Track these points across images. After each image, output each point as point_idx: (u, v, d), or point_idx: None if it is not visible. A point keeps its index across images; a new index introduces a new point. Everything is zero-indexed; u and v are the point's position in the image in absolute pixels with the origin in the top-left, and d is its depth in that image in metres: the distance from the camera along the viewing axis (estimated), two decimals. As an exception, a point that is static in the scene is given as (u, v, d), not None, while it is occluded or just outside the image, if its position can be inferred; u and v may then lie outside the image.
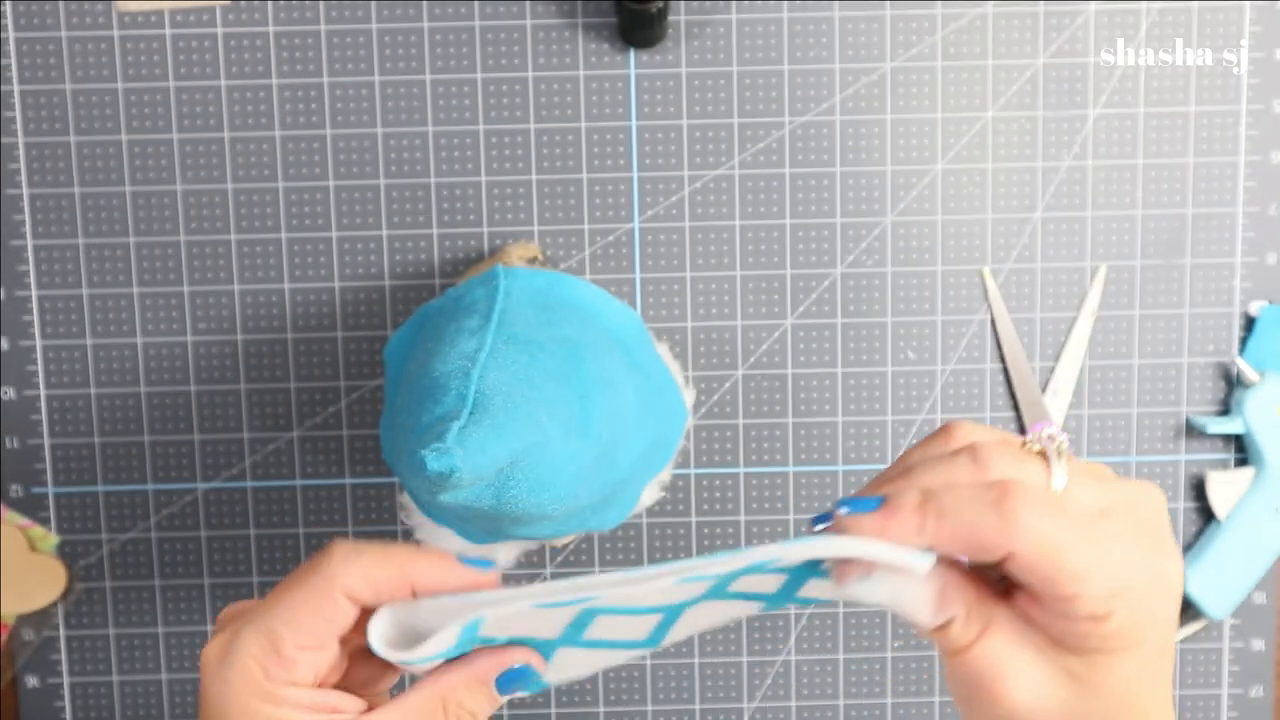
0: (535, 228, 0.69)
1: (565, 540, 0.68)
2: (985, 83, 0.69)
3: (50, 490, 0.70)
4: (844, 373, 0.70)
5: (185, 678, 0.71)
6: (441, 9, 0.68)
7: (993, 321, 0.70)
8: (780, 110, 0.69)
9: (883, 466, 0.70)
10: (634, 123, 0.69)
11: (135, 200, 0.69)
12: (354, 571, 0.40)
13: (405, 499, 0.69)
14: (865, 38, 0.69)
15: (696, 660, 0.72)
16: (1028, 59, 0.69)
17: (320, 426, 0.70)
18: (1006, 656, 0.37)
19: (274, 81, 0.69)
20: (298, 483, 0.71)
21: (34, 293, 0.69)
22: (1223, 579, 0.69)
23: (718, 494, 0.71)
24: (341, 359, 0.70)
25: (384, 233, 0.69)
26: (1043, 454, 0.38)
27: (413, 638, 0.40)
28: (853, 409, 0.70)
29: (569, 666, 0.42)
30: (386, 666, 0.44)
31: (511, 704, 0.72)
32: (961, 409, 0.71)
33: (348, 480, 0.71)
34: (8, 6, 0.68)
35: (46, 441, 0.70)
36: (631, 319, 0.61)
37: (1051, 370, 0.70)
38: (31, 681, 0.71)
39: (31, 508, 0.70)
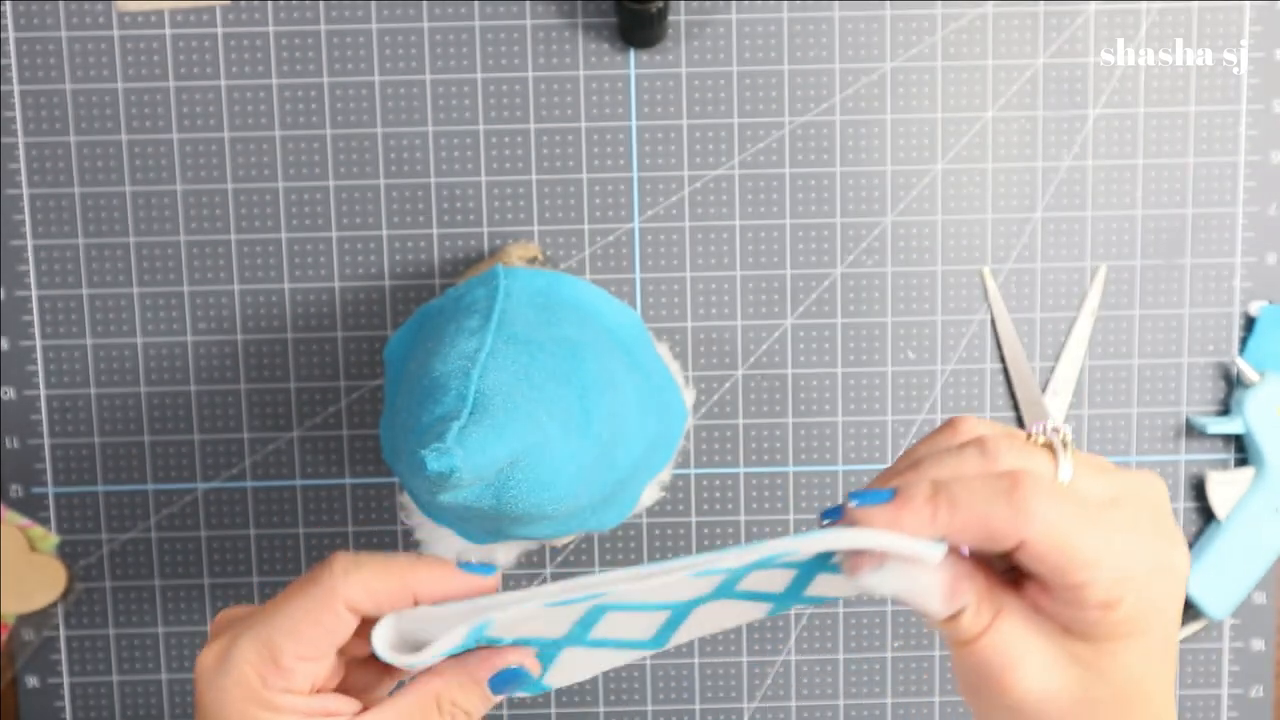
0: (535, 228, 0.69)
1: (565, 540, 0.68)
2: (985, 83, 0.69)
3: (50, 490, 0.70)
4: (844, 373, 0.70)
5: (185, 678, 0.71)
6: (441, 9, 0.68)
7: (993, 321, 0.70)
8: (780, 110, 0.69)
9: (883, 466, 0.70)
10: (634, 123, 0.69)
11: (135, 200, 0.69)
12: (355, 583, 0.40)
13: (405, 499, 0.69)
14: (865, 38, 0.69)
15: (696, 660, 0.72)
16: (1028, 59, 0.69)
17: (320, 426, 0.70)
18: (1016, 644, 0.38)
19: (274, 81, 0.69)
20: (298, 483, 0.71)
21: (34, 293, 0.69)
22: (1223, 579, 0.69)
23: (718, 494, 0.71)
24: (341, 359, 0.70)
25: (384, 233, 0.69)
26: (1048, 446, 0.39)
27: (415, 643, 0.40)
28: (853, 409, 0.70)
29: (572, 667, 0.42)
30: (384, 671, 0.44)
31: (512, 704, 0.72)
32: (961, 409, 0.71)
33: (348, 480, 0.71)
34: (8, 6, 0.68)
35: (46, 441, 0.70)
36: (631, 319, 0.61)
37: (1051, 370, 0.70)
38: (31, 681, 0.71)
39: (31, 508, 0.70)
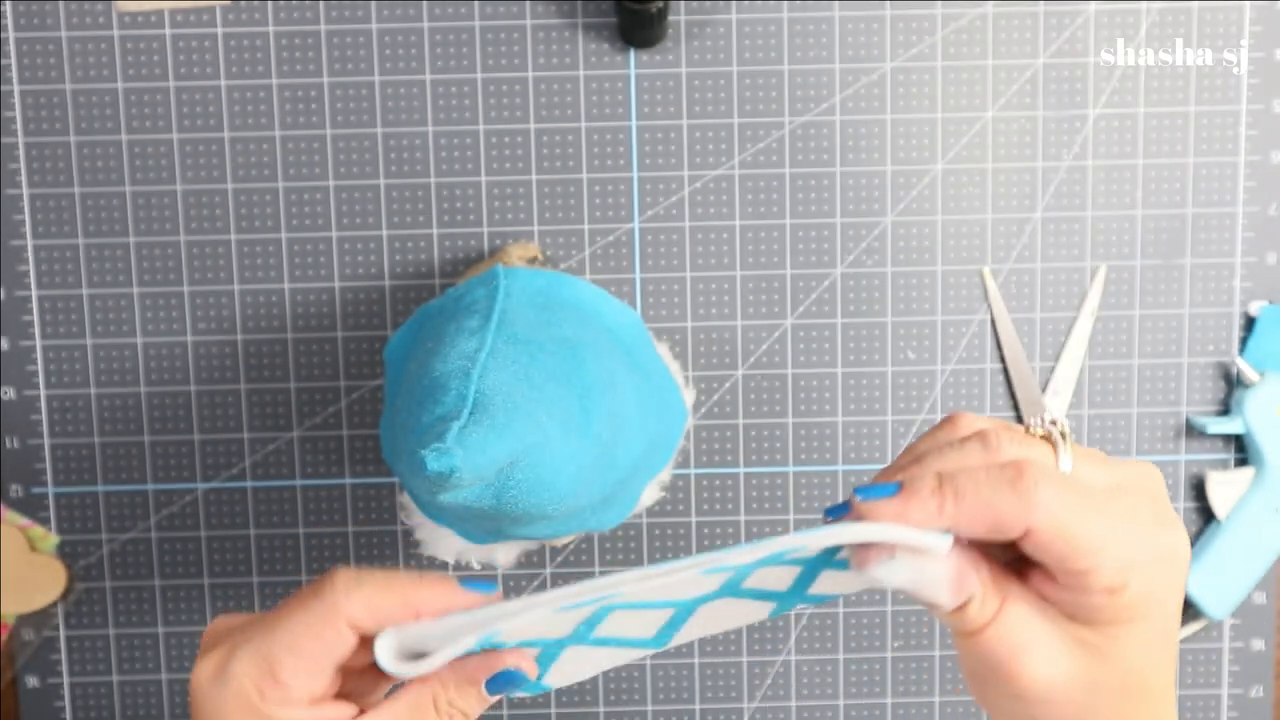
0: (535, 228, 0.69)
1: (565, 540, 0.68)
2: (985, 83, 0.69)
3: (50, 490, 0.70)
4: (844, 373, 0.70)
5: (185, 678, 0.71)
6: (441, 9, 0.68)
7: (993, 321, 0.70)
8: (780, 110, 0.69)
9: (883, 466, 0.70)
10: (634, 123, 0.69)
11: (135, 200, 0.69)
12: (358, 601, 0.40)
13: (405, 499, 0.69)
14: (865, 38, 0.69)
15: (696, 660, 0.72)
16: (1028, 59, 0.69)
17: (320, 426, 0.70)
18: (1023, 632, 0.38)
19: (274, 81, 0.69)
20: (298, 483, 0.71)
21: (34, 293, 0.69)
22: (1223, 579, 0.69)
23: (718, 494, 0.71)
24: (341, 359, 0.70)
25: (384, 233, 0.69)
26: (1047, 438, 0.39)
27: (417, 651, 0.41)
28: (853, 409, 0.70)
29: (573, 667, 0.42)
30: (379, 675, 0.44)
31: (512, 704, 0.72)
32: (961, 409, 0.71)
33: (348, 480, 0.71)
34: (8, 6, 0.68)
35: (46, 441, 0.70)
36: (631, 319, 0.61)
37: (1051, 370, 0.70)
38: (31, 681, 0.71)
39: (31, 508, 0.70)
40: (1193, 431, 0.70)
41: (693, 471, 0.71)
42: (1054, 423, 0.40)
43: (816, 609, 0.71)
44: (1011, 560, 0.40)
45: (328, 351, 0.70)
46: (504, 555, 0.63)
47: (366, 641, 0.41)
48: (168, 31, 0.68)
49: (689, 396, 0.66)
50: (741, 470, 0.71)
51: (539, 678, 0.42)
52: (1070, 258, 0.70)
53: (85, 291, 0.69)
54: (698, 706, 0.72)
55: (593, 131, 0.69)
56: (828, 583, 0.41)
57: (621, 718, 0.72)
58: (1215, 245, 0.70)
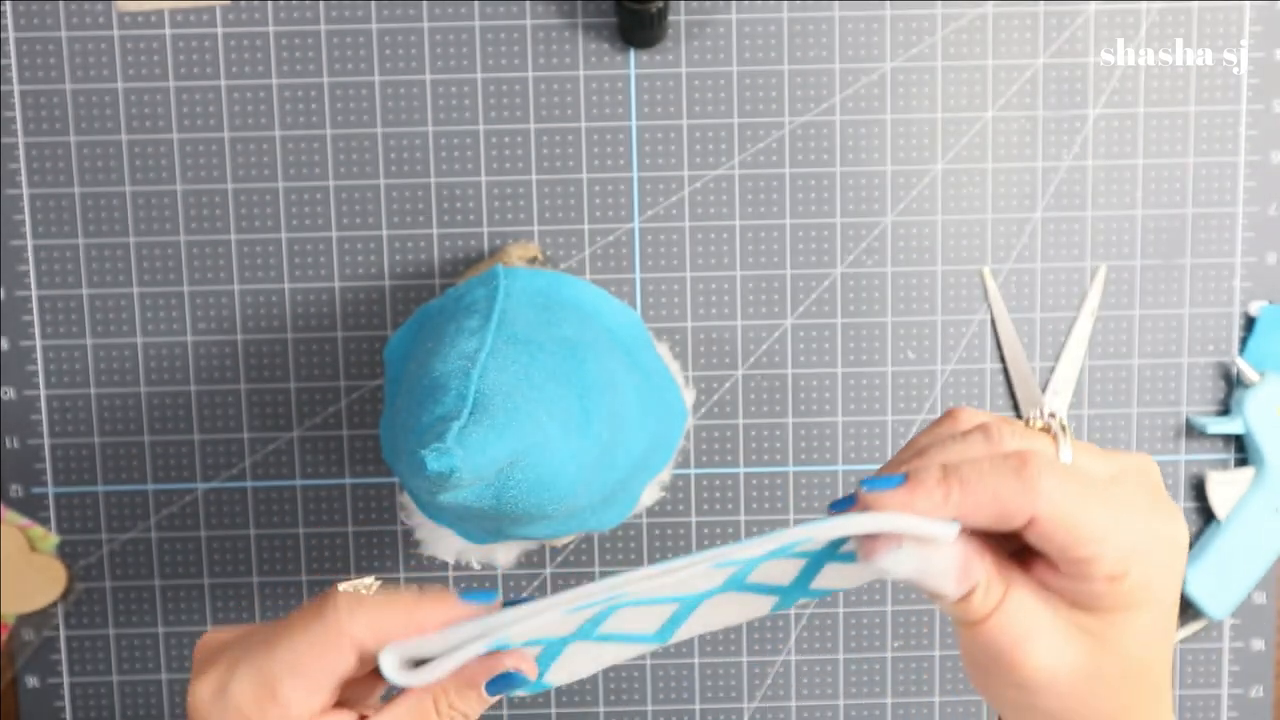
0: (535, 228, 0.69)
1: (565, 540, 0.68)
2: (985, 83, 0.69)
3: (50, 490, 0.70)
4: (844, 373, 0.70)
5: (185, 678, 0.71)
6: (441, 9, 0.68)
7: (993, 321, 0.70)
8: (780, 110, 0.69)
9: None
10: (634, 123, 0.69)
11: (135, 200, 0.69)
12: (361, 621, 0.40)
13: (405, 499, 0.69)
14: (865, 38, 0.69)
15: (696, 660, 0.72)
16: (1028, 59, 0.69)
17: (320, 426, 0.70)
18: (1027, 620, 0.39)
19: (274, 81, 0.69)
20: (298, 483, 0.71)
21: (34, 293, 0.69)
22: (1223, 579, 0.69)
23: (718, 494, 0.71)
24: (341, 359, 0.70)
25: (384, 233, 0.69)
26: (1047, 430, 0.40)
27: (421, 660, 0.41)
28: (853, 409, 0.70)
29: (575, 663, 0.42)
30: (376, 680, 0.44)
31: (512, 704, 0.72)
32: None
33: (348, 480, 0.71)
34: (8, 6, 0.68)
35: (46, 441, 0.70)
36: (631, 319, 0.61)
37: (1051, 370, 0.70)
38: (31, 681, 0.71)
39: (31, 508, 0.70)
40: (1193, 431, 0.70)
41: (693, 471, 0.71)
42: (1052, 415, 0.41)
43: (817, 608, 0.71)
44: (1013, 552, 0.40)
45: (328, 351, 0.70)
46: (504, 555, 0.63)
47: (365, 656, 0.41)
48: (168, 31, 0.68)
49: (689, 396, 0.66)
50: (741, 470, 0.71)
51: (540, 676, 0.42)
52: (1070, 258, 0.70)
53: (85, 291, 0.69)
54: (698, 706, 0.72)
55: (593, 131, 0.69)
56: (832, 576, 0.41)
57: (621, 718, 0.72)
58: (1215, 245, 0.70)
